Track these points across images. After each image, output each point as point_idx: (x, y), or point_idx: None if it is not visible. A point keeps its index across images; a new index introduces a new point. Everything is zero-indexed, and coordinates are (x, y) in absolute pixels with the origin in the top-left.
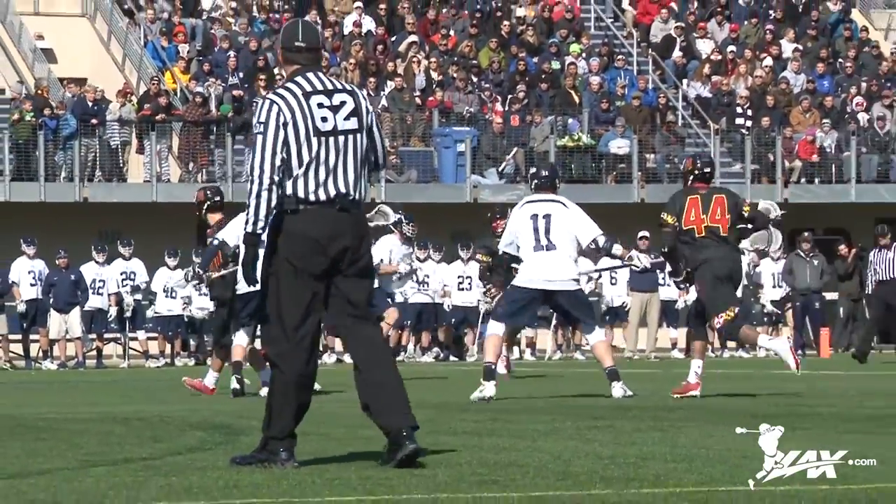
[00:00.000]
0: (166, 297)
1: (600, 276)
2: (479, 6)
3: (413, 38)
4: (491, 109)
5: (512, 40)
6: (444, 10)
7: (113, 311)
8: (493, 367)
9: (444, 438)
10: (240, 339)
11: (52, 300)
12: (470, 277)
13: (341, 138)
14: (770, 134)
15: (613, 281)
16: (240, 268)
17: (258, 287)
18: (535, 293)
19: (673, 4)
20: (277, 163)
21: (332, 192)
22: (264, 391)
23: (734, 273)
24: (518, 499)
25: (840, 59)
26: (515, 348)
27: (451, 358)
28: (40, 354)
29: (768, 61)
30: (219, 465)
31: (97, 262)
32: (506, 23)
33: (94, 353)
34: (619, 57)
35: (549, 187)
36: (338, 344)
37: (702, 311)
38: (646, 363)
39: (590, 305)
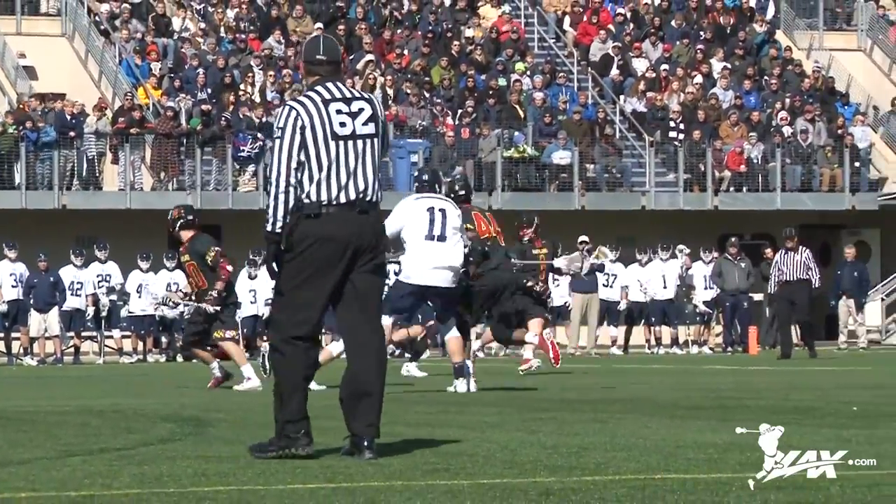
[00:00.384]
0: (139, 297)
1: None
2: (431, 27)
3: (370, 56)
4: (442, 123)
5: (462, 59)
6: (399, 31)
7: (90, 311)
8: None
9: (399, 429)
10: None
11: (32, 301)
12: None
13: (360, 142)
14: (701, 146)
15: (556, 283)
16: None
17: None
18: (419, 288)
19: (610, 26)
20: (294, 165)
21: (353, 195)
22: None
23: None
24: (467, 486)
25: (766, 77)
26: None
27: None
28: (21, 350)
29: (699, 79)
30: (188, 455)
31: (75, 266)
32: (456, 43)
33: (72, 350)
34: (561, 74)
35: (430, 190)
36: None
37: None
38: (587, 359)
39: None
